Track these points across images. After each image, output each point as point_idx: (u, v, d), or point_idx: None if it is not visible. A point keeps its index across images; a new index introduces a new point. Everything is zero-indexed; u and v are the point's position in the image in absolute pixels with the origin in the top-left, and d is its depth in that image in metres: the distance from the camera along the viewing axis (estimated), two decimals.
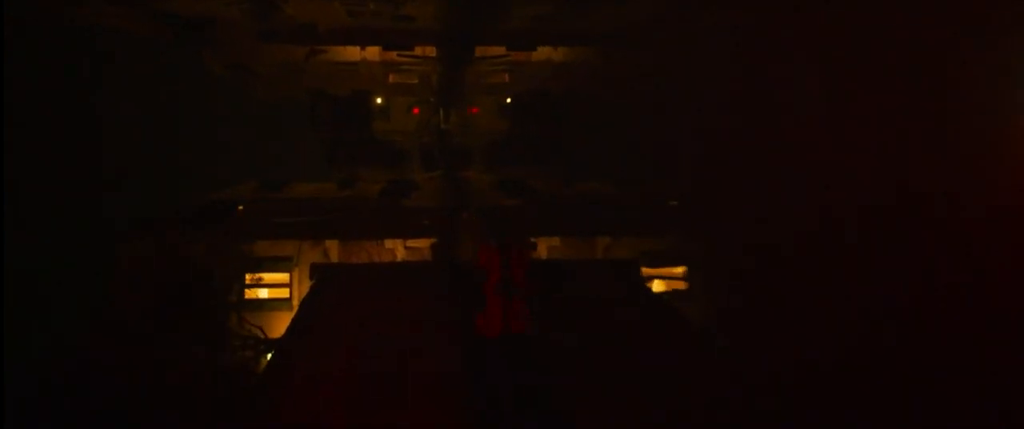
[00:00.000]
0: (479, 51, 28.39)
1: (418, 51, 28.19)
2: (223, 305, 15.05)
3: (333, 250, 19.08)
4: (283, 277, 19.10)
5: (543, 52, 29.08)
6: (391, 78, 33.52)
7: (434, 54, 28.60)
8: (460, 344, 11.42)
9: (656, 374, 11.29)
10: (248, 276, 18.94)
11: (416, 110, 35.90)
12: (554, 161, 35.82)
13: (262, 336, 14.52)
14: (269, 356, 13.95)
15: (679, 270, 19.79)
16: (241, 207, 23.14)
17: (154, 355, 12.53)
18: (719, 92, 26.44)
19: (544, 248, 19.13)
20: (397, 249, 19.12)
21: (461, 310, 11.85)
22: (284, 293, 19.06)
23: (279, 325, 17.96)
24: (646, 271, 19.41)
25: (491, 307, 10.87)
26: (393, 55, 29.03)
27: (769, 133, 24.72)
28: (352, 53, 28.80)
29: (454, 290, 12.64)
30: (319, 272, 16.36)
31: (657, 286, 19.48)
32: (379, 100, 36.60)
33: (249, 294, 18.94)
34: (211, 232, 18.35)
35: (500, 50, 28.28)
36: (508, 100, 36.14)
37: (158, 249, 15.23)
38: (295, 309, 16.38)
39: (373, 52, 29.26)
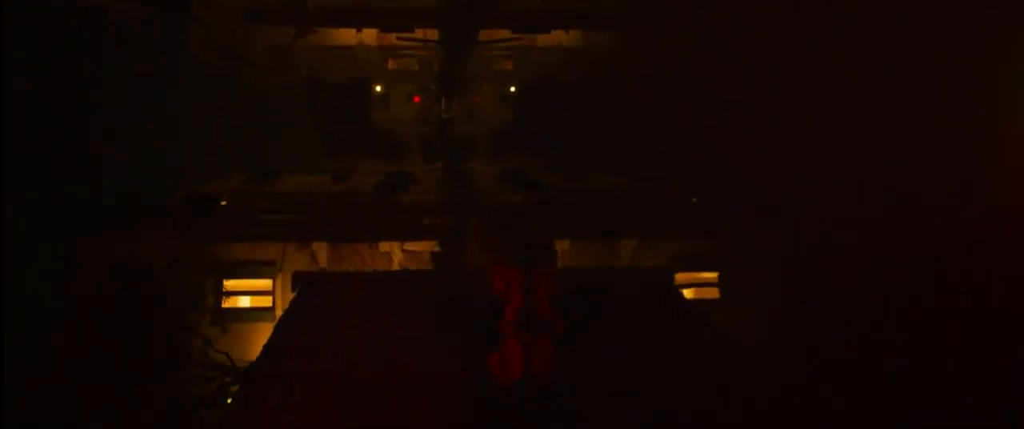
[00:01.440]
0: (484, 35, 25.54)
1: (419, 34, 25.34)
2: (185, 325, 12.34)
3: (321, 253, 16.31)
4: (265, 284, 16.37)
5: (551, 37, 26.31)
6: (390, 64, 30.77)
7: (436, 37, 25.76)
8: (468, 390, 8.72)
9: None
10: (226, 283, 16.26)
11: (417, 98, 33.20)
12: (560, 153, 33.11)
13: (229, 363, 11.85)
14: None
15: (710, 276, 17.05)
16: (224, 202, 20.37)
17: (89, 396, 9.89)
18: (744, 80, 23.63)
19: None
20: (394, 252, 16.37)
21: (468, 347, 9.15)
22: (267, 302, 16.34)
23: (260, 337, 15.34)
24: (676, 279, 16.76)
25: (509, 347, 8.13)
26: (392, 38, 26.22)
27: (801, 125, 21.97)
28: (348, 36, 25.97)
29: (460, 318, 9.91)
30: (302, 282, 13.62)
31: (686, 294, 16.77)
32: (378, 88, 33.81)
33: (228, 303, 16.25)
34: (179, 233, 15.60)
35: (506, 33, 25.45)
36: (513, 89, 33.37)
37: (112, 255, 12.49)
38: (278, 319, 13.73)
39: (370, 35, 26.42)
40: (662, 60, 25.68)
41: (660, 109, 26.35)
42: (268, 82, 34.06)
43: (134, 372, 10.54)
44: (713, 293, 16.89)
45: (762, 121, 22.84)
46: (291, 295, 14.56)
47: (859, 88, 21.51)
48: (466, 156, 31.71)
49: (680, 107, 25.95)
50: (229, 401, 10.84)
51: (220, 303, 15.37)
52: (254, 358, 11.59)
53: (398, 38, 25.56)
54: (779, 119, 22.64)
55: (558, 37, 25.34)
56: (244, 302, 16.56)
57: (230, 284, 16.27)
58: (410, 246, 16.31)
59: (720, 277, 16.95)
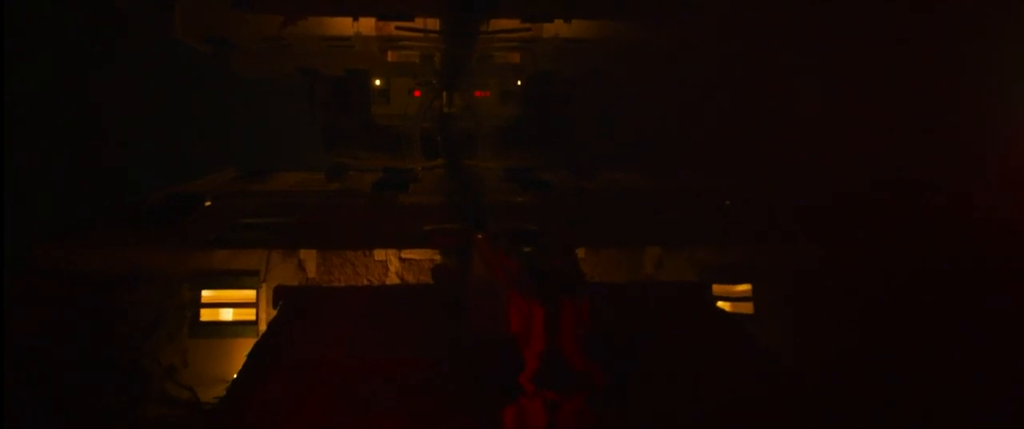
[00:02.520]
0: (487, 24, 23.50)
1: (419, 23, 23.31)
2: (145, 351, 10.39)
3: (310, 262, 14.35)
4: (248, 295, 14.42)
5: (560, 27, 24.26)
6: (390, 56, 28.71)
7: (437, 27, 23.73)
8: None
9: None
10: (204, 294, 14.33)
11: (417, 93, 31.22)
12: (565, 149, 31.18)
13: (192, 399, 9.92)
14: None
15: (743, 288, 15.09)
16: (208, 202, 18.42)
17: None
18: (769, 72, 21.64)
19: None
20: (390, 261, 14.40)
21: (477, 396, 7.17)
22: (249, 315, 14.40)
23: (243, 353, 13.47)
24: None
25: (531, 406, 6.18)
26: (391, 28, 24.20)
27: (832, 120, 20.02)
28: (344, 25, 23.93)
29: (467, 360, 7.92)
30: (285, 298, 11.67)
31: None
32: (378, 82, 31.82)
33: (207, 316, 14.32)
34: (151, 240, 13.65)
35: (512, 23, 23.41)
36: (519, 82, 31.38)
37: (60, 268, 10.54)
38: (261, 334, 11.80)
39: (368, 25, 24.37)
40: (680, 50, 23.67)
41: (676, 102, 24.40)
42: (255, 72, 31.99)
43: (74, 415, 8.64)
44: (747, 308, 14.94)
45: (790, 116, 20.89)
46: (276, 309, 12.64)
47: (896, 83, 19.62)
48: (467, 152, 29.77)
49: (699, 100, 23.99)
50: None
51: (191, 322, 13.43)
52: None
53: (397, 28, 23.55)
54: (807, 114, 20.70)
55: (569, 27, 23.28)
56: (226, 315, 14.64)
57: (208, 295, 14.33)
58: (408, 254, 14.35)
59: (755, 289, 15.01)
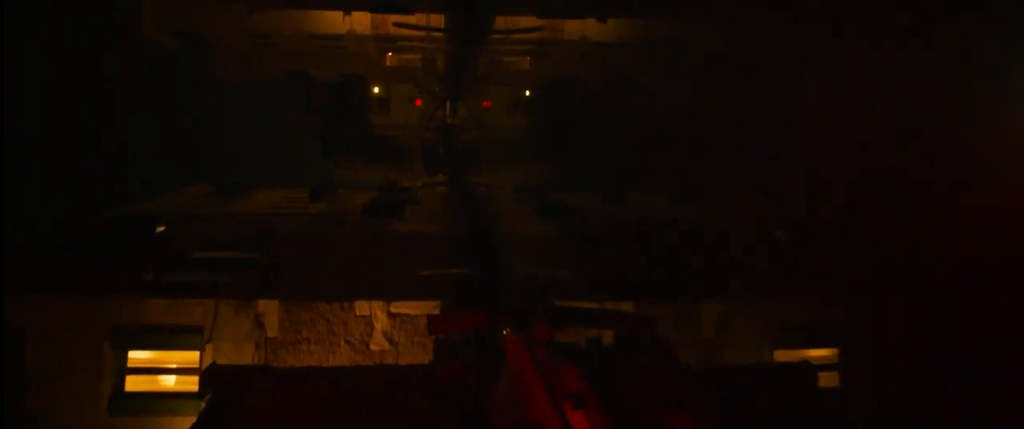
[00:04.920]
0: (500, 22, 19.91)
1: (420, 19, 19.73)
2: None
3: (271, 316, 10.67)
4: (189, 358, 10.76)
5: (576, 29, 20.72)
6: (388, 59, 25.20)
7: (441, 24, 20.13)
8: None
9: None
10: (132, 356, 10.70)
11: (419, 102, 27.75)
12: (583, 165, 27.66)
13: None
14: None
15: (825, 353, 11.44)
16: (161, 228, 14.77)
17: None
18: (822, 77, 18.02)
19: None
20: (376, 316, 10.73)
21: None
22: (190, 384, 10.73)
23: None
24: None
25: None
26: (389, 26, 20.66)
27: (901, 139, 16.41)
28: (334, 21, 20.38)
29: None
30: (219, 384, 7.95)
31: None
32: (376, 89, 28.28)
33: (133, 386, 10.67)
34: (59, 282, 10.03)
35: (529, 21, 19.85)
36: (527, 93, 27.89)
37: None
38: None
39: (363, 21, 20.83)
40: (717, 54, 20.05)
41: (712, 115, 20.82)
42: (252, 77, 28.38)
43: None
44: (832, 379, 11.29)
45: (847, 128, 17.31)
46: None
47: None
48: (472, 167, 26.17)
49: (737, 112, 20.41)
50: None
51: (112, 395, 9.83)
52: None
53: (396, 25, 19.98)
54: (867, 127, 17.13)
55: (602, 28, 19.72)
56: (162, 383, 10.98)
57: (137, 358, 10.70)
58: (399, 307, 10.70)
59: (842, 355, 11.37)
